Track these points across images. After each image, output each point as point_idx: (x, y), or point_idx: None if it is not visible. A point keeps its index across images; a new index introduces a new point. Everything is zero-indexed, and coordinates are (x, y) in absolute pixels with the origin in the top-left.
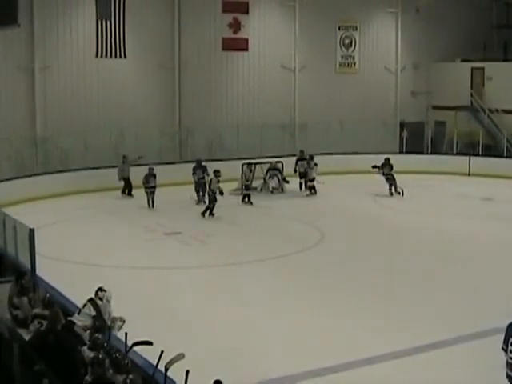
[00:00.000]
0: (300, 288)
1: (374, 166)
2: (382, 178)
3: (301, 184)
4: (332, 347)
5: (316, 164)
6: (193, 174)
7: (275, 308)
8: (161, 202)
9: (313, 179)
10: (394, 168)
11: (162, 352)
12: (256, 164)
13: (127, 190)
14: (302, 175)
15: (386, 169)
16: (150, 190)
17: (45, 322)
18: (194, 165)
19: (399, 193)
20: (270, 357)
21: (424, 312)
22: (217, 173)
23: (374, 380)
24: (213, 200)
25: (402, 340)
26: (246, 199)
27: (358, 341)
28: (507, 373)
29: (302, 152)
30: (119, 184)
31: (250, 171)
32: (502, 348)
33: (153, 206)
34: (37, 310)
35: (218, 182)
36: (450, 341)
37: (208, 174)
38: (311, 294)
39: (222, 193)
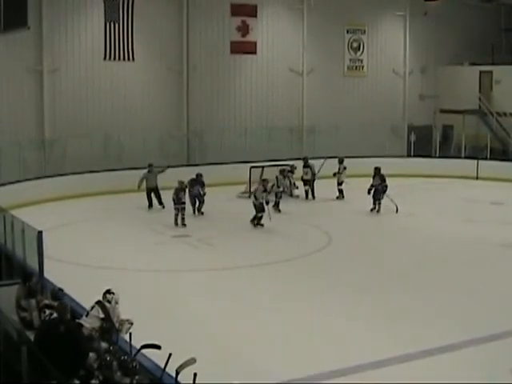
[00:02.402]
0: (308, 291)
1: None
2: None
3: (306, 192)
4: (341, 350)
5: (345, 167)
6: (189, 188)
7: (283, 311)
8: (169, 204)
9: (341, 183)
10: (404, 171)
11: (170, 355)
12: (264, 167)
13: (157, 201)
14: (306, 182)
15: (375, 180)
16: (181, 207)
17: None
18: (192, 177)
19: (395, 208)
20: (278, 360)
21: (433, 315)
22: (264, 181)
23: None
24: (260, 210)
25: (411, 343)
26: (276, 206)
27: (366, 344)
28: None
29: (305, 159)
30: (128, 187)
31: (284, 177)
32: None
33: (184, 224)
34: (46, 301)
35: (265, 190)
36: (459, 344)
37: (204, 191)
38: (319, 297)
39: (267, 202)
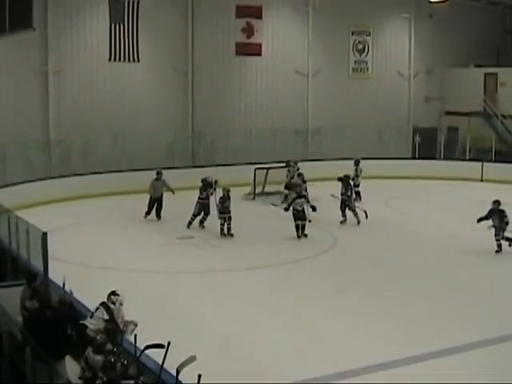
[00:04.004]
0: (314, 292)
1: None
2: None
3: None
4: (347, 350)
5: (361, 169)
6: (206, 191)
7: (289, 312)
8: (173, 206)
9: (358, 185)
10: (408, 173)
11: (168, 343)
12: (269, 169)
13: (156, 211)
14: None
15: (343, 187)
16: (228, 216)
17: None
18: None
19: (365, 215)
20: (282, 361)
21: (437, 317)
22: (295, 186)
23: None
24: (300, 218)
25: (417, 344)
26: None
27: (371, 346)
28: None
29: (287, 162)
30: (133, 188)
31: (302, 181)
32: None
33: (231, 234)
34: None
35: (300, 197)
36: (464, 347)
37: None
38: (326, 298)
39: (314, 208)
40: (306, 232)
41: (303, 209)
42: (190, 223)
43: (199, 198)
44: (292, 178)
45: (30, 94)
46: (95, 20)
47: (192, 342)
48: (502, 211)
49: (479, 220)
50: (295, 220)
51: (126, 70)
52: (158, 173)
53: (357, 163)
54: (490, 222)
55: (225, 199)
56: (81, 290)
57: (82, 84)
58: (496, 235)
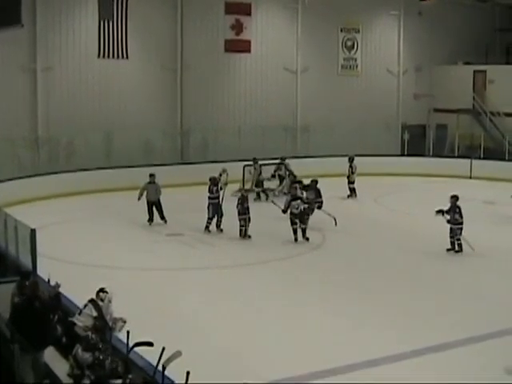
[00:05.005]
0: (304, 290)
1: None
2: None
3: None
4: (334, 349)
5: (356, 167)
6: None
7: (276, 309)
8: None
9: (353, 181)
10: (397, 171)
11: (163, 349)
12: (262, 165)
13: (159, 215)
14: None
15: (309, 193)
16: (248, 217)
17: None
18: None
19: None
20: (271, 358)
21: (431, 314)
22: (294, 187)
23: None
24: (298, 220)
25: (404, 342)
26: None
27: (360, 342)
28: None
29: (254, 160)
30: (122, 185)
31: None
32: None
33: (249, 236)
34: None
35: (297, 198)
36: (454, 343)
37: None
38: (315, 296)
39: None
40: (307, 236)
41: (301, 211)
42: (207, 227)
43: (209, 197)
44: (259, 174)
45: (19, 91)
46: (84, 17)
47: (180, 340)
48: (459, 207)
49: (438, 212)
50: (292, 224)
51: (115, 67)
52: (151, 175)
53: (351, 160)
54: (447, 217)
55: (244, 200)
56: (69, 287)
57: (71, 81)
58: (452, 232)
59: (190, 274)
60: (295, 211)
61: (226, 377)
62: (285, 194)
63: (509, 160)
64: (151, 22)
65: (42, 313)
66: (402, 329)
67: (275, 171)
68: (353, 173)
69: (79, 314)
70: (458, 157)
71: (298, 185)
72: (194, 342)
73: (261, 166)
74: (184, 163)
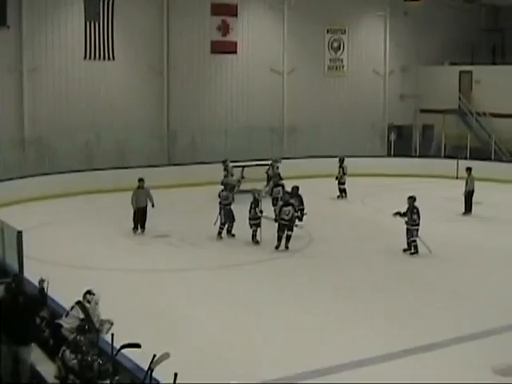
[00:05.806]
0: (286, 291)
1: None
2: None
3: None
4: (322, 349)
5: (347, 168)
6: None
7: (263, 310)
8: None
9: (344, 182)
10: (384, 171)
11: (154, 356)
12: (244, 167)
13: (140, 222)
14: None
15: (294, 200)
16: (259, 222)
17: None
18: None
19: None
20: (259, 359)
21: (416, 314)
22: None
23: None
24: (285, 228)
25: (392, 342)
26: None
27: (348, 343)
28: None
29: (224, 161)
30: (109, 187)
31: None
32: None
33: (257, 241)
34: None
35: (288, 204)
36: (440, 343)
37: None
38: (303, 296)
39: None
40: (288, 245)
41: (291, 218)
42: (219, 233)
43: (220, 203)
44: (232, 175)
45: (5, 92)
46: (70, 18)
47: (167, 341)
48: (417, 208)
49: (395, 214)
50: (279, 230)
51: (101, 68)
52: (140, 180)
53: (341, 161)
54: (405, 218)
55: (256, 203)
56: (56, 289)
57: (57, 82)
58: (408, 233)
59: (176, 275)
60: (285, 217)
61: (213, 378)
62: (270, 195)
63: (495, 160)
64: (137, 23)
65: (27, 308)
66: (390, 329)
67: (267, 171)
68: (344, 174)
69: (66, 315)
70: (445, 157)
71: (280, 188)
72: (181, 343)
73: (233, 167)
74: (171, 164)
